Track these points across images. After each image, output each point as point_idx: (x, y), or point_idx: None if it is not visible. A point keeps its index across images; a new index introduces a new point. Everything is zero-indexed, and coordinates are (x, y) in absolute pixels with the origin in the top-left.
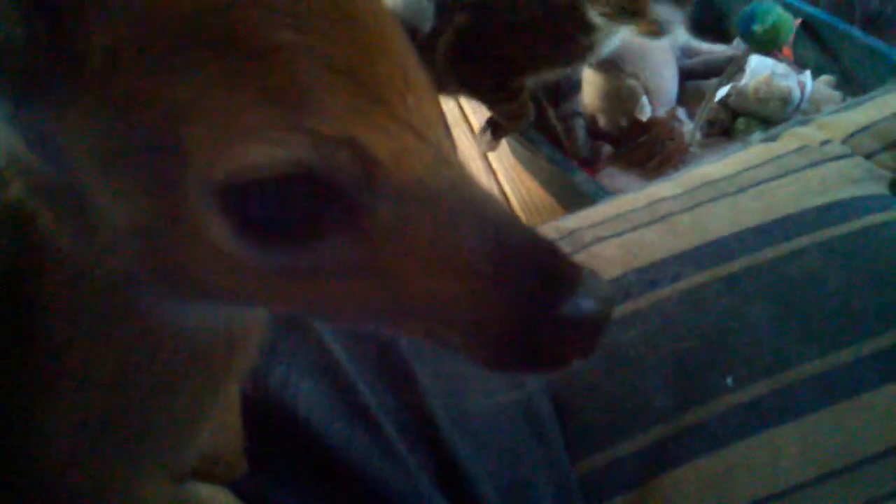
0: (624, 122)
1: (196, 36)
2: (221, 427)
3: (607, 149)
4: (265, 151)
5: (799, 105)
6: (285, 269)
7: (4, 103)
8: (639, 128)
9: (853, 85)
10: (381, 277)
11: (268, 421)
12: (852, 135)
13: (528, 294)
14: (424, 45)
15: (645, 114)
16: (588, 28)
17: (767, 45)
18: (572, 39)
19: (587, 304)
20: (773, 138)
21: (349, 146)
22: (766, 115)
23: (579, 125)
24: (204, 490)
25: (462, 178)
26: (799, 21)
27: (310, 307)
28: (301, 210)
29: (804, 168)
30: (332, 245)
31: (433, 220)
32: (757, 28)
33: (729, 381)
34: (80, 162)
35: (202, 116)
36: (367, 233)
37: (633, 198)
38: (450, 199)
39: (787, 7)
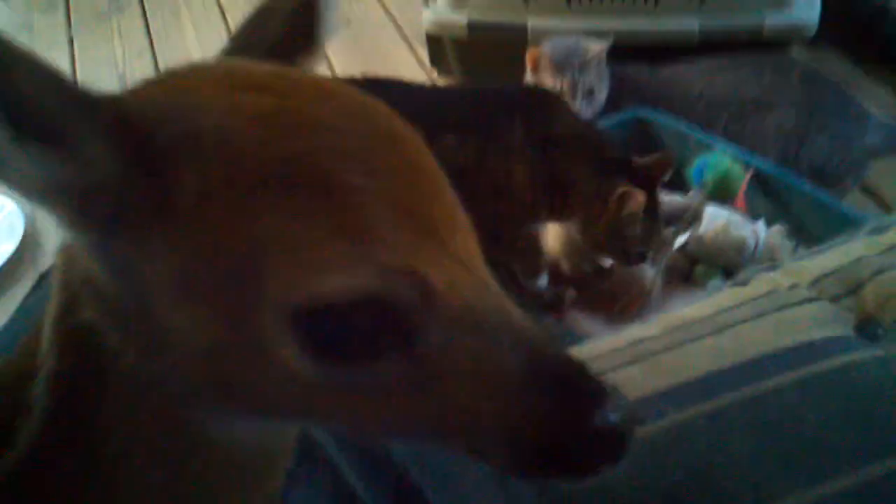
0: (587, 269)
1: (279, 178)
2: None
3: (571, 293)
4: (338, 281)
5: (754, 253)
6: (344, 385)
7: (91, 234)
8: (602, 274)
9: (804, 234)
10: (428, 394)
11: None
12: (817, 280)
13: (560, 406)
14: None
15: (607, 261)
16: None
17: (719, 194)
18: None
19: (614, 415)
20: (744, 283)
21: (410, 276)
22: (723, 262)
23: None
24: None
25: (502, 303)
26: (751, 172)
27: (361, 422)
28: (364, 331)
29: (776, 310)
30: (387, 364)
31: (478, 341)
32: (708, 178)
33: None
34: (157, 285)
35: (281, 249)
36: (419, 353)
37: (613, 339)
38: (492, 322)
39: (739, 160)
